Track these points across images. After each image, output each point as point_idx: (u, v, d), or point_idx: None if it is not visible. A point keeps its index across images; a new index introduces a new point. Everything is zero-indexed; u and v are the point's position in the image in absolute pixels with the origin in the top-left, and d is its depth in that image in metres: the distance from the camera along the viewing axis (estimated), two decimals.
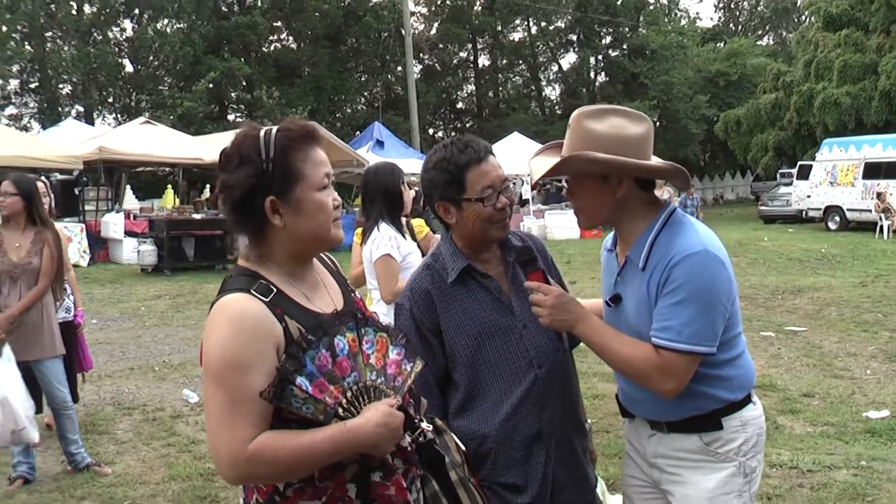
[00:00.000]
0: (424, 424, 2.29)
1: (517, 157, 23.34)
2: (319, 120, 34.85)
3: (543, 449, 2.74)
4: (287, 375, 2.00)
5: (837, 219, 27.67)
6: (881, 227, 24.96)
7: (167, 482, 5.90)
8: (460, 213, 2.73)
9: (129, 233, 21.18)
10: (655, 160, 2.66)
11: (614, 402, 2.96)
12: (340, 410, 2.06)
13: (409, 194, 5.05)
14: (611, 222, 2.73)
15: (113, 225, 21.03)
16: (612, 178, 2.60)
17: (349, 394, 2.08)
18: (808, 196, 28.97)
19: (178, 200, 24.73)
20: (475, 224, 2.72)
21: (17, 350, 5.55)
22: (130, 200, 26.23)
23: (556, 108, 56.93)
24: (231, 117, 43.85)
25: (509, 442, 2.71)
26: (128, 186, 26.37)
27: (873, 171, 26.93)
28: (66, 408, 6.01)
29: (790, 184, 32.06)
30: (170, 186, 28.05)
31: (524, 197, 30.89)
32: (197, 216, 20.34)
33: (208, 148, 22.52)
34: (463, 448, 2.43)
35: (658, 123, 51.60)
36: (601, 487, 3.10)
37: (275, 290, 2.12)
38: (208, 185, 28.06)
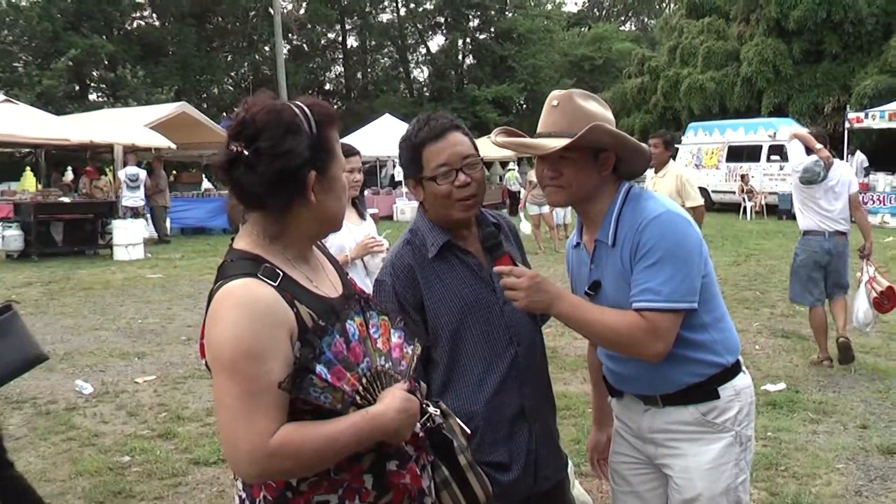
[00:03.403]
0: (432, 409, 2.22)
1: (389, 139, 23.42)
2: (186, 100, 33.78)
3: (526, 425, 2.74)
4: (306, 364, 1.89)
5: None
6: (745, 207, 26.00)
7: (74, 478, 5.58)
8: (423, 191, 2.70)
9: None
10: None
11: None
12: (358, 398, 1.96)
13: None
14: (584, 200, 2.72)
15: None
16: (602, 155, 2.63)
17: (364, 380, 1.99)
18: None
19: (39, 184, 23.54)
20: (435, 203, 2.68)
21: None
22: None
23: (425, 90, 57.01)
24: (93, 97, 42.06)
25: (496, 420, 2.69)
26: None
27: (736, 154, 28.03)
28: None
29: None
30: (28, 168, 26.72)
31: (397, 179, 30.86)
32: (66, 199, 19.42)
33: (75, 128, 21.54)
34: (468, 431, 2.37)
35: (525, 106, 52.46)
36: (570, 466, 3.11)
37: (281, 273, 2.00)
38: (70, 167, 26.82)
